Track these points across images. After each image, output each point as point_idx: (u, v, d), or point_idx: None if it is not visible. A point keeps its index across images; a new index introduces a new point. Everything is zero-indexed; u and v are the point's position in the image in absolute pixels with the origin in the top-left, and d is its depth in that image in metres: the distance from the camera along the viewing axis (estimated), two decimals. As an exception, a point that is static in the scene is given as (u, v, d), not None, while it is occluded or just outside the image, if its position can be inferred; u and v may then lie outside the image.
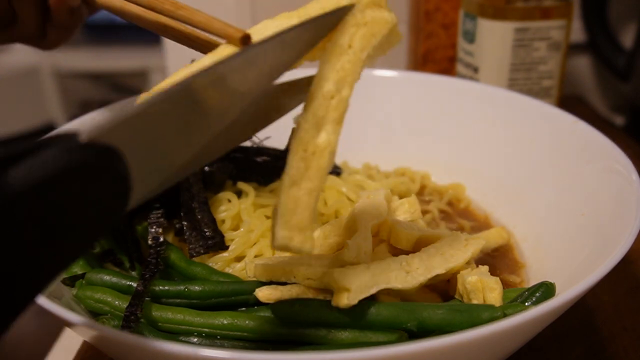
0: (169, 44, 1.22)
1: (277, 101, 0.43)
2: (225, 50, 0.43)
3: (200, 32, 0.49)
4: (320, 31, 0.39)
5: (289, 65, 0.38)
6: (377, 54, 0.42)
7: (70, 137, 0.27)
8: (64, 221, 0.26)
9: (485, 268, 0.50)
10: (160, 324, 0.48)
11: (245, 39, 0.41)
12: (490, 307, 0.44)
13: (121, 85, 2.67)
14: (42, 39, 0.61)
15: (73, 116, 0.70)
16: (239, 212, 0.60)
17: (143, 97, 0.40)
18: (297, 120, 0.39)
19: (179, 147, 0.33)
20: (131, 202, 0.30)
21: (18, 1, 0.55)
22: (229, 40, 0.42)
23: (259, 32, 0.43)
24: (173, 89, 0.31)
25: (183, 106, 0.32)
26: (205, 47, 0.49)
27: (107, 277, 0.51)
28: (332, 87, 0.39)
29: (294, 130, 0.39)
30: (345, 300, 0.42)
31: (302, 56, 0.39)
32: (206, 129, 0.34)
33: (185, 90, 0.32)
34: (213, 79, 0.33)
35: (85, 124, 0.68)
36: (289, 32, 0.36)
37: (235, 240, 0.57)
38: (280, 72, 0.38)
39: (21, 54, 2.59)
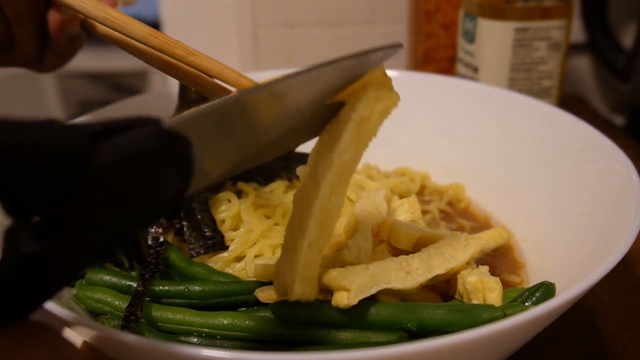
0: (169, 44, 1.22)
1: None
2: None
3: (207, 76, 0.48)
4: (368, 64, 0.41)
5: (340, 91, 0.41)
6: None
7: (155, 122, 0.30)
8: (138, 195, 0.29)
9: (485, 268, 0.50)
10: (160, 324, 0.48)
11: None
12: (490, 307, 0.44)
13: (121, 85, 2.67)
14: (40, 63, 0.61)
15: (73, 116, 0.70)
16: (239, 212, 0.60)
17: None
18: (302, 175, 0.42)
19: (233, 148, 0.36)
20: (192, 187, 0.33)
21: (17, 27, 0.55)
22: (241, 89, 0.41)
23: None
24: (238, 96, 0.35)
25: (243, 113, 0.35)
26: (211, 91, 0.48)
27: (107, 277, 0.51)
28: (350, 156, 0.41)
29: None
30: (345, 300, 0.42)
31: (351, 84, 0.41)
32: (260, 136, 0.38)
33: (247, 99, 0.35)
34: (275, 92, 0.36)
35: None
36: (346, 60, 0.38)
37: (235, 240, 0.57)
38: (330, 96, 0.40)
39: (21, 54, 2.58)
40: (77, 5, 0.50)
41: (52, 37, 0.57)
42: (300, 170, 0.43)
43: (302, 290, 0.41)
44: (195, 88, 0.49)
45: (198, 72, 0.47)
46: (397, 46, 0.41)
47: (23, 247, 0.25)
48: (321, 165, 0.41)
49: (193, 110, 0.33)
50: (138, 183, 0.29)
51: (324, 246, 0.41)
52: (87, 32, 0.59)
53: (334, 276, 0.43)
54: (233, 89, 0.43)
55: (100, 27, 0.53)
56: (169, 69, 0.49)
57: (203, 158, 0.33)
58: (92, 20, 0.53)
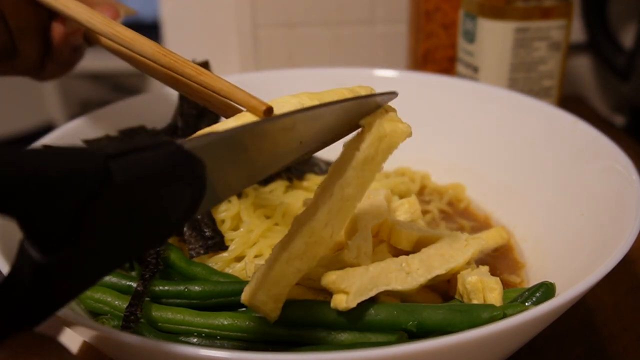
0: (169, 44, 1.22)
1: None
2: (246, 117, 0.42)
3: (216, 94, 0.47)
4: (368, 107, 0.43)
5: (339, 131, 0.43)
6: None
7: (172, 143, 0.31)
8: (151, 213, 0.30)
9: (485, 268, 0.50)
10: (160, 324, 0.47)
11: (269, 112, 0.42)
12: (490, 306, 0.44)
13: (121, 85, 2.67)
14: (41, 72, 0.61)
15: (73, 116, 0.70)
16: (239, 212, 0.60)
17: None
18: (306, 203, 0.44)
19: (243, 173, 0.38)
20: (201, 209, 0.34)
21: (20, 37, 0.55)
22: (252, 111, 0.41)
23: (279, 105, 0.44)
24: (250, 125, 0.37)
25: (254, 141, 0.37)
26: (220, 108, 0.48)
27: (107, 277, 0.51)
28: (352, 192, 0.42)
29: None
30: (344, 303, 0.42)
31: (352, 125, 0.43)
32: (267, 164, 0.40)
33: (259, 129, 0.37)
34: (285, 125, 0.38)
35: (86, 123, 0.68)
36: (348, 102, 0.41)
37: (235, 240, 0.57)
38: (330, 134, 0.43)
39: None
40: (84, 20, 0.50)
41: (55, 48, 0.57)
42: (305, 202, 0.44)
43: (263, 299, 0.42)
44: (203, 104, 0.48)
45: (207, 90, 0.46)
46: (392, 94, 0.44)
47: (36, 256, 0.26)
48: (323, 195, 0.42)
49: (209, 133, 0.35)
50: (153, 202, 0.30)
51: (302, 269, 0.42)
52: (89, 43, 0.59)
53: (332, 279, 0.43)
54: (243, 109, 0.43)
55: (105, 40, 0.52)
56: (176, 84, 0.48)
57: (214, 181, 0.34)
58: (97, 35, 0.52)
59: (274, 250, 0.43)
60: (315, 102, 0.44)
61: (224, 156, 0.35)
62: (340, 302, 0.42)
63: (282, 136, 0.39)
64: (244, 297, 0.44)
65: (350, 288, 0.42)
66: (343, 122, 0.43)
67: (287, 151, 0.40)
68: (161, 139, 0.32)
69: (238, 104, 0.44)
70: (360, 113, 0.43)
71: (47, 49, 0.58)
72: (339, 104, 0.41)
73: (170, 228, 0.33)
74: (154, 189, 0.30)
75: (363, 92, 0.46)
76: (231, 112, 0.45)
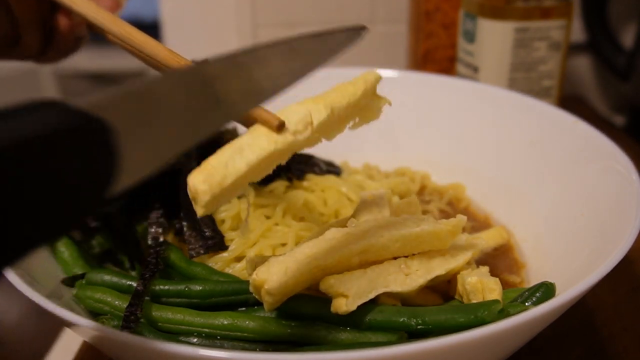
0: (169, 44, 1.22)
1: None
2: (260, 129, 0.41)
3: None
4: (332, 47, 0.39)
5: (301, 76, 0.39)
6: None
7: (58, 104, 0.26)
8: (41, 188, 0.25)
9: (485, 269, 0.50)
10: (160, 324, 0.47)
11: (281, 127, 0.41)
12: (491, 306, 0.44)
13: (121, 85, 2.67)
14: (41, 57, 0.61)
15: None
16: (239, 212, 0.60)
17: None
18: None
19: (183, 134, 0.32)
20: (120, 185, 0.28)
21: (25, 28, 0.56)
22: (265, 124, 0.41)
23: (286, 115, 0.43)
24: (183, 70, 0.31)
25: (194, 91, 0.31)
26: None
27: (107, 277, 0.51)
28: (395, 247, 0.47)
29: None
30: (344, 307, 0.42)
31: (311, 70, 0.39)
32: (215, 120, 0.34)
33: (197, 73, 0.31)
34: (227, 67, 0.33)
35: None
36: (300, 40, 0.36)
37: (235, 241, 0.56)
38: (289, 82, 0.38)
39: (21, 54, 2.58)
40: (92, 18, 0.50)
41: (60, 36, 0.58)
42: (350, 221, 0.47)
43: (292, 290, 0.42)
44: None
45: None
46: (361, 29, 0.38)
47: None
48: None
49: (117, 87, 0.28)
50: (40, 175, 0.24)
51: (319, 279, 0.44)
52: (91, 30, 0.59)
53: (331, 283, 0.43)
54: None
55: (112, 37, 0.53)
56: None
57: (141, 144, 0.28)
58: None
59: (302, 250, 0.43)
60: (321, 106, 0.43)
61: (144, 114, 0.29)
62: (340, 305, 0.42)
63: (236, 79, 0.33)
64: (275, 281, 0.42)
65: (349, 291, 0.42)
66: (302, 66, 0.38)
67: (236, 100, 0.35)
68: (46, 99, 0.26)
69: (252, 117, 0.43)
70: (323, 59, 0.38)
71: (49, 38, 0.59)
72: (287, 44, 0.35)
73: (85, 204, 0.27)
74: (33, 160, 0.24)
75: (368, 82, 0.46)
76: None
